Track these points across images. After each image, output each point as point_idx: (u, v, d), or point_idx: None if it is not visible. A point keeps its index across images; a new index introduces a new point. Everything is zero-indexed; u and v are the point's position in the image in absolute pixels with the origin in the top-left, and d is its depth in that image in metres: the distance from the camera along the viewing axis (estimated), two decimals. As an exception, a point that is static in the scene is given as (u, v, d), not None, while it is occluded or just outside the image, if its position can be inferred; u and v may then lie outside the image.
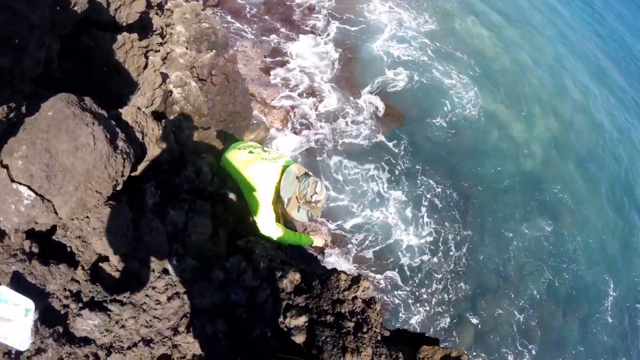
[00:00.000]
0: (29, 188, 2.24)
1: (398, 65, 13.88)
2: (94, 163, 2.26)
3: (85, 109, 2.36)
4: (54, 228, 2.68)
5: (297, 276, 2.87)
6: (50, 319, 2.58)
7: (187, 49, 5.87)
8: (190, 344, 2.64)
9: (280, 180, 3.15)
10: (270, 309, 2.66)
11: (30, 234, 2.54)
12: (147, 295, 2.68)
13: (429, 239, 10.52)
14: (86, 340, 2.62)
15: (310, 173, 3.20)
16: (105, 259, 2.66)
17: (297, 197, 3.07)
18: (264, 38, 11.59)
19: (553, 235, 12.40)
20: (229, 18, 11.31)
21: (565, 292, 11.68)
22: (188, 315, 2.70)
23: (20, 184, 2.26)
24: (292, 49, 11.99)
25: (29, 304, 2.44)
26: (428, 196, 11.18)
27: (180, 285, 2.71)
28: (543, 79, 17.86)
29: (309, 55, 12.25)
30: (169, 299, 2.69)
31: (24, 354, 2.47)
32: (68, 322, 2.62)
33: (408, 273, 9.79)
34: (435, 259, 10.32)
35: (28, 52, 2.37)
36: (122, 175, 2.47)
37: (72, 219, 2.63)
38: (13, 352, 2.43)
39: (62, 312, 2.64)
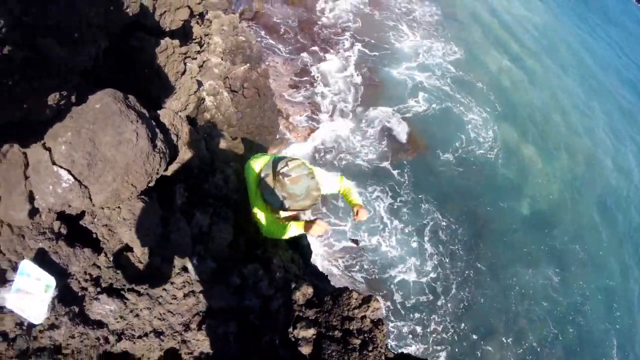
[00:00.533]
0: (69, 172, 2.35)
1: (419, 92, 14.05)
2: (134, 158, 2.38)
3: (130, 107, 2.50)
4: (82, 214, 2.80)
5: (310, 290, 2.93)
6: (68, 298, 2.67)
7: (222, 59, 6.09)
8: (199, 342, 2.70)
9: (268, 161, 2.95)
10: (281, 319, 2.72)
11: (60, 216, 2.66)
12: (164, 290, 2.77)
13: (433, 275, 10.32)
14: (100, 324, 2.71)
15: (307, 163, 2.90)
16: (130, 249, 2.76)
17: (273, 173, 2.80)
18: (294, 56, 11.92)
19: (560, 285, 12.11)
20: (263, 33, 11.68)
21: (568, 346, 11.30)
22: (201, 314, 2.76)
23: (61, 167, 2.37)
24: (319, 69, 12.30)
25: (50, 280, 2.53)
26: (433, 229, 11.09)
27: (197, 284, 2.79)
28: (568, 120, 17.61)
29: (335, 76, 12.54)
30: (185, 296, 2.78)
31: (36, 328, 2.55)
32: (84, 304, 2.71)
33: (404, 307, 9.58)
34: (435, 296, 10.10)
35: (83, 46, 2.53)
36: (157, 173, 2.59)
37: (103, 208, 2.75)
38: (25, 324, 2.50)
39: (80, 294, 2.73)
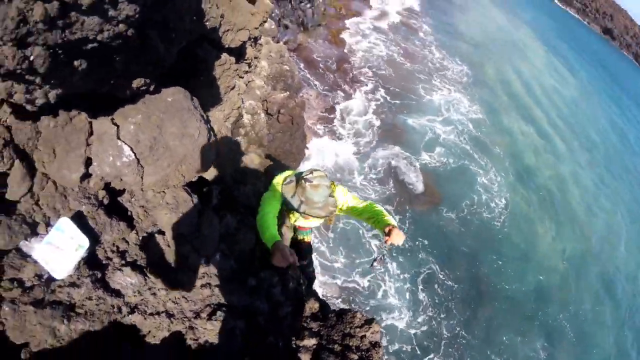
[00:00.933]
0: (132, 150, 2.61)
1: (437, 145, 14.42)
2: (191, 152, 2.65)
3: (195, 107, 2.81)
4: (122, 191, 3.02)
5: (316, 305, 3.12)
6: (92, 263, 2.84)
7: (265, 83, 6.50)
8: (207, 331, 2.87)
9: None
10: (287, 325, 2.89)
11: (105, 187, 2.87)
12: (185, 276, 2.97)
13: (424, 328, 10.19)
14: (117, 293, 2.89)
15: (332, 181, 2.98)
16: (161, 233, 2.99)
17: (296, 180, 2.92)
18: (327, 93, 12.49)
19: (547, 360, 11.91)
20: (302, 65, 12.33)
21: None
22: (213, 306, 2.95)
23: (125, 143, 2.63)
24: (345, 108, 12.82)
25: (84, 241, 2.67)
26: (430, 280, 11.06)
27: (215, 278, 2.99)
28: (586, 199, 17.48)
29: (357, 118, 13.10)
30: (202, 286, 2.97)
31: (56, 282, 2.68)
32: (106, 272, 2.89)
33: (387, 351, 9.38)
34: (422, 350, 9.88)
35: (174, 45, 2.87)
36: (204, 171, 2.85)
37: (143, 190, 2.98)
38: (44, 276, 2.65)
39: (104, 262, 2.91)
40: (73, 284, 2.74)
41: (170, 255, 2.98)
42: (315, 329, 2.94)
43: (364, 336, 2.88)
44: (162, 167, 2.65)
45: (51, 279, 2.67)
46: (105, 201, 2.92)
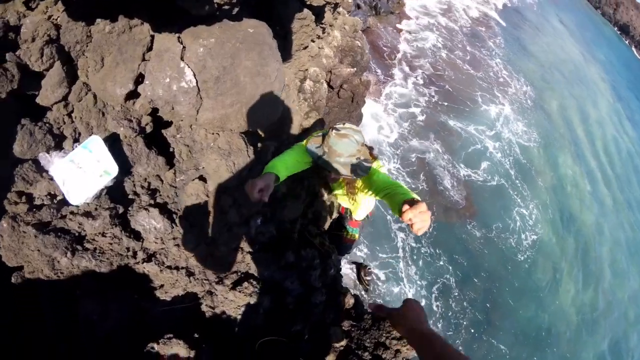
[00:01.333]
0: (194, 76, 2.22)
1: (482, 158, 13.76)
2: (261, 95, 2.25)
3: (276, 47, 2.40)
4: (169, 123, 2.63)
5: (352, 301, 2.74)
6: (116, 195, 2.47)
7: (333, 54, 6.10)
8: (227, 301, 2.50)
9: None
10: (318, 314, 2.52)
11: (151, 113, 2.46)
12: (217, 232, 2.61)
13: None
14: (137, 236, 2.52)
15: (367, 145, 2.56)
16: (203, 179, 2.62)
17: (324, 134, 2.50)
18: (385, 80, 11.99)
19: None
20: (366, 50, 11.84)
21: None
22: (240, 274, 2.58)
23: (188, 66, 2.23)
24: (397, 96, 12.35)
25: (112, 168, 2.31)
26: (444, 292, 10.64)
27: (247, 245, 2.61)
28: (617, 262, 16.21)
29: (408, 110, 12.63)
30: (234, 248, 2.60)
31: (69, 207, 2.33)
32: (130, 209, 2.51)
33: None
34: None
35: None
36: (268, 122, 2.46)
37: (195, 126, 2.60)
38: (58, 198, 2.30)
39: (130, 197, 2.53)
40: (88, 214, 2.36)
41: (207, 206, 2.61)
42: (346, 328, 2.56)
43: (399, 351, 2.48)
44: (223, 105, 2.26)
45: (64, 203, 2.31)
46: (148, 129, 2.53)
